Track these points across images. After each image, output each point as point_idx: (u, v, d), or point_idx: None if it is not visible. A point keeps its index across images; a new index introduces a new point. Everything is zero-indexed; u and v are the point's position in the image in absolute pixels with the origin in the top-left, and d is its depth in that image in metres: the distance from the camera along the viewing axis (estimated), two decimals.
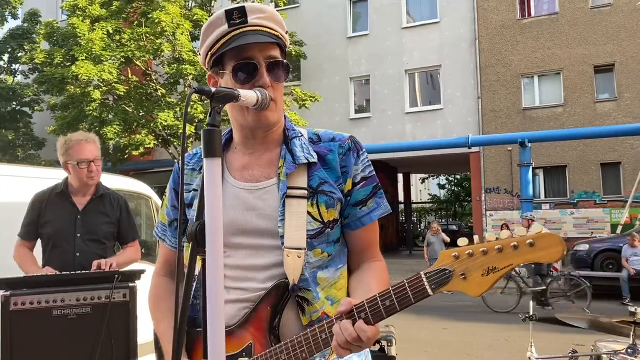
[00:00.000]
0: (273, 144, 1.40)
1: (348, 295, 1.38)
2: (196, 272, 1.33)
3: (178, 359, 1.08)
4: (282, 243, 1.30)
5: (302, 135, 1.41)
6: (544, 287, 10.29)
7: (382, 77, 20.14)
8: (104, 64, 15.91)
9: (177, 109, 16.68)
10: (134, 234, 3.17)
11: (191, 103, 16.40)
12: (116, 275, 2.58)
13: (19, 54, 22.44)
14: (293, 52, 18.85)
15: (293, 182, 1.33)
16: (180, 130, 16.40)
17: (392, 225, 25.47)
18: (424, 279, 1.12)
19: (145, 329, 2.80)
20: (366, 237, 1.42)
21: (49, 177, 3.41)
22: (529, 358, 2.68)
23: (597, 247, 12.56)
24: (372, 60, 20.33)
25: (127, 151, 17.14)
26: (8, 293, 2.42)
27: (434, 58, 19.51)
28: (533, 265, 10.69)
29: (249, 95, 1.16)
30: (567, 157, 17.62)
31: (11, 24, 25.25)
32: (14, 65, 23.49)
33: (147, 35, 16.50)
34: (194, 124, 16.76)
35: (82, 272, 2.72)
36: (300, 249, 1.30)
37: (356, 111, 20.79)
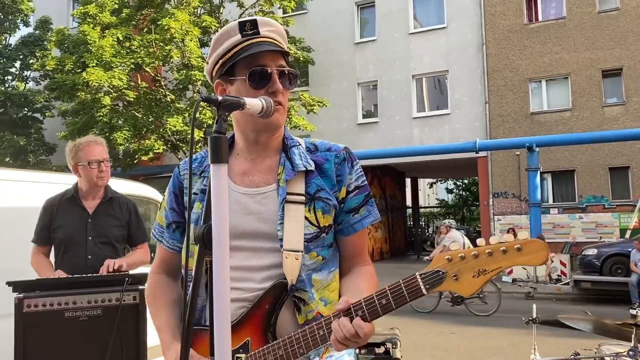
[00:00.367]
0: (273, 152, 1.47)
1: (340, 297, 1.43)
2: (194, 271, 1.40)
3: (186, 356, 1.13)
4: (282, 246, 1.37)
5: (300, 144, 1.49)
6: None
7: (389, 82, 20.19)
8: (114, 71, 16.10)
9: (186, 114, 16.81)
10: (144, 236, 3.23)
11: (200, 109, 16.52)
12: (127, 279, 2.64)
13: (31, 61, 22.71)
14: (301, 58, 18.96)
15: (292, 189, 1.41)
16: (190, 136, 16.51)
17: (400, 229, 25.45)
18: (419, 280, 1.19)
19: (155, 332, 2.86)
20: (357, 243, 1.50)
21: (60, 183, 3.48)
22: None
23: (605, 252, 12.52)
24: (379, 65, 20.39)
25: (136, 156, 17.30)
26: (22, 295, 2.49)
27: (441, 63, 19.54)
28: None
29: (254, 103, 1.21)
30: (575, 162, 17.55)
31: (23, 31, 25.57)
32: (25, 72, 23.78)
33: (157, 42, 16.68)
34: (203, 129, 16.89)
35: (94, 275, 2.79)
36: (298, 251, 1.38)
37: (364, 116, 20.84)
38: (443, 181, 37.92)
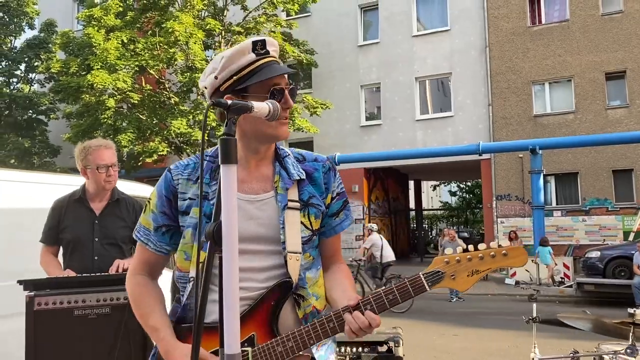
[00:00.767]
0: (267, 161, 1.58)
1: (326, 291, 1.61)
2: (192, 275, 1.50)
3: (196, 355, 1.18)
4: (284, 248, 1.50)
5: (289, 154, 1.60)
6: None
7: (392, 84, 20.24)
8: (119, 73, 16.20)
9: (190, 117, 16.90)
10: None
11: (204, 111, 16.55)
12: None
13: (36, 64, 22.85)
14: (304, 61, 19.03)
15: (289, 196, 1.54)
16: (194, 138, 16.61)
17: (403, 232, 25.47)
18: (423, 278, 1.42)
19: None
20: (336, 243, 1.68)
21: (68, 184, 3.54)
22: (533, 359, 2.76)
23: (608, 254, 12.51)
24: (382, 68, 20.45)
25: (140, 158, 17.39)
26: (32, 294, 2.55)
27: (444, 66, 19.58)
28: (370, 271, 12.03)
29: (261, 106, 1.27)
30: (578, 164, 17.55)
31: (28, 34, 25.71)
32: (30, 74, 23.92)
33: (161, 44, 16.77)
34: (207, 130, 16.96)
35: (102, 274, 2.85)
36: (298, 253, 1.52)
37: (367, 118, 20.89)
38: (446, 184, 37.92)
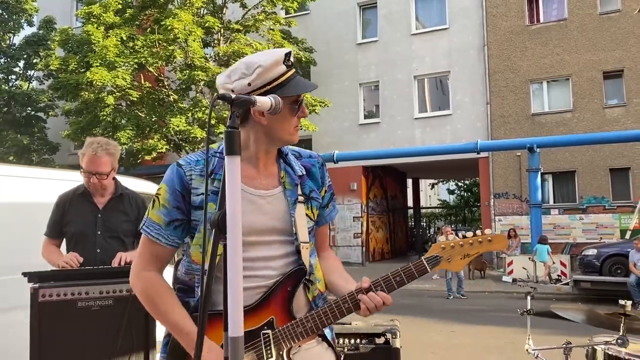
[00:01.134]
0: (272, 159, 1.69)
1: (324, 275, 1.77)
2: (206, 267, 1.49)
3: (201, 340, 1.23)
4: (297, 239, 1.64)
5: (288, 152, 1.72)
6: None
7: (391, 83, 20.28)
8: (118, 71, 16.21)
9: (189, 114, 16.92)
10: None
11: (203, 109, 16.63)
12: None
13: (35, 61, 22.85)
14: (303, 59, 19.06)
15: (297, 191, 1.69)
16: (192, 135, 16.63)
17: (401, 230, 25.54)
18: (425, 262, 1.62)
19: (162, 328, 2.97)
20: (325, 232, 1.86)
21: (70, 180, 3.58)
22: (527, 350, 2.83)
23: (605, 252, 12.59)
24: (381, 66, 20.48)
25: (139, 156, 17.42)
26: (37, 285, 2.61)
27: (443, 64, 19.63)
28: None
29: (264, 101, 1.32)
30: (576, 163, 17.62)
31: (27, 31, 25.68)
32: (29, 71, 23.91)
33: (160, 42, 16.79)
34: (205, 129, 16.98)
35: (105, 267, 2.90)
36: (307, 242, 1.67)
37: (365, 117, 20.94)
38: (444, 182, 37.97)
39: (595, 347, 2.42)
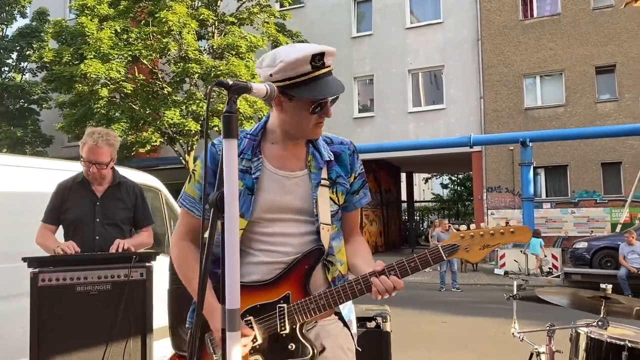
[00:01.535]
0: (301, 143, 1.78)
1: (347, 259, 1.82)
2: None
3: (201, 307, 1.31)
4: (317, 220, 1.71)
5: (319, 137, 1.77)
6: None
7: (385, 77, 20.34)
8: (112, 63, 16.17)
9: (183, 107, 16.91)
10: (149, 219, 3.41)
11: (197, 101, 16.64)
12: (134, 256, 2.82)
13: (28, 53, 22.71)
14: None
15: (321, 174, 1.75)
16: (187, 128, 16.62)
17: (394, 224, 25.68)
18: (440, 249, 1.63)
19: (160, 315, 3.04)
20: (355, 217, 1.90)
21: (69, 170, 3.64)
22: (513, 334, 2.92)
23: (595, 245, 12.76)
24: (376, 60, 20.53)
25: (133, 148, 17.39)
26: (37, 270, 2.67)
27: (437, 58, 19.70)
28: None
29: (260, 88, 1.39)
30: (568, 157, 17.78)
31: (20, 22, 25.50)
32: (22, 63, 23.78)
33: (154, 34, 16.75)
34: (200, 121, 16.99)
35: (103, 253, 2.97)
36: (328, 224, 1.73)
37: (360, 110, 21.00)
38: (438, 176, 38.15)
39: (579, 330, 2.50)
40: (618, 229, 14.87)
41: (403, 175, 27.54)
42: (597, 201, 17.40)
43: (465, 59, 19.21)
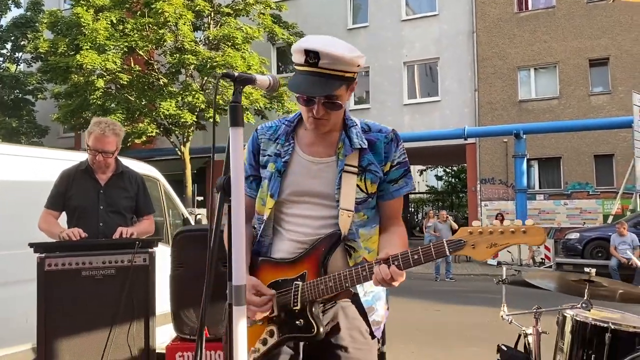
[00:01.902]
0: (335, 130, 1.83)
1: (378, 247, 1.85)
2: (265, 217, 1.81)
3: (210, 281, 1.40)
4: (338, 205, 1.76)
5: (356, 124, 1.85)
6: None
7: (381, 69, 20.38)
8: (108, 54, 16.14)
9: (179, 98, 16.91)
10: (150, 208, 3.50)
11: (193, 93, 16.66)
12: (137, 242, 2.92)
13: (22, 43, 22.60)
14: (293, 44, 19.02)
15: (348, 161, 1.79)
16: (183, 120, 16.64)
17: None
18: (445, 244, 1.59)
19: (163, 302, 3.14)
20: (394, 206, 1.89)
21: (73, 160, 3.71)
22: (502, 316, 3.05)
23: (587, 236, 12.92)
24: (371, 52, 20.52)
25: (129, 139, 17.39)
26: (43, 255, 2.76)
27: (432, 50, 19.76)
28: None
29: (263, 79, 1.49)
30: (561, 149, 17.92)
31: (14, 12, 25.36)
32: (17, 53, 23.67)
33: (150, 25, 16.71)
34: (195, 113, 17.02)
35: (108, 239, 3.06)
36: (350, 210, 1.76)
37: (356, 102, 21.05)
38: (433, 168, 38.29)
39: (565, 314, 2.62)
40: (610, 221, 15.04)
41: None
42: (590, 193, 17.57)
43: (460, 52, 19.28)
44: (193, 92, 16.59)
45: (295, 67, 1.69)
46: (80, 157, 3.68)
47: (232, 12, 17.92)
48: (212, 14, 18.01)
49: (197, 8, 17.04)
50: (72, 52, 16.75)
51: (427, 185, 40.97)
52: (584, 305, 2.49)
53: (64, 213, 3.32)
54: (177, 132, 17.86)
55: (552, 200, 18.01)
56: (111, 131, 3.23)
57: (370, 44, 20.54)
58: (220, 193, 1.39)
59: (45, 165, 3.81)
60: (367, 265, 1.66)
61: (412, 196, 31.93)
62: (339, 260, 1.77)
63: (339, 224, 1.75)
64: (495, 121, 18.29)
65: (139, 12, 17.49)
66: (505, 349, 2.97)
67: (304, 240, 1.78)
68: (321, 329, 1.71)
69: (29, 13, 22.85)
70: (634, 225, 12.25)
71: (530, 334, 2.88)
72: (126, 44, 16.52)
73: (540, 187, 18.54)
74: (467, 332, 7.07)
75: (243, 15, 18.18)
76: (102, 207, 3.23)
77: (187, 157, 18.14)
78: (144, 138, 17.20)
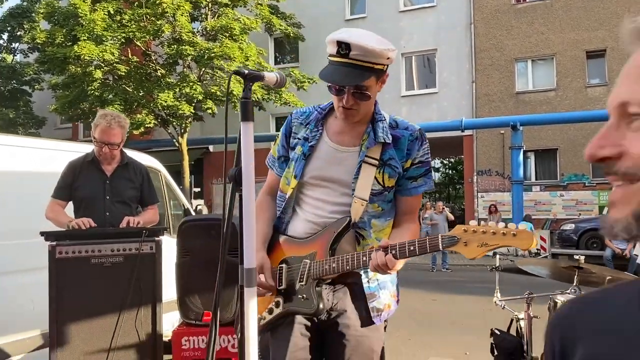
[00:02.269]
0: (364, 121, 1.93)
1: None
2: (288, 194, 1.94)
3: (225, 249, 1.49)
4: (353, 193, 1.87)
5: (384, 119, 1.93)
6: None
7: None
8: (106, 45, 16.13)
9: (177, 89, 16.93)
10: (154, 198, 3.60)
11: (190, 84, 16.67)
12: (144, 231, 3.02)
13: (19, 33, 22.52)
14: (291, 34, 19.08)
15: (370, 153, 1.89)
16: (180, 111, 16.67)
17: None
18: (439, 240, 1.66)
19: (170, 289, 3.24)
20: (409, 203, 1.98)
21: (80, 151, 3.80)
22: (495, 302, 3.17)
23: (582, 227, 13.08)
24: None
25: (127, 130, 17.40)
26: (54, 243, 2.86)
27: (430, 42, 19.78)
28: None
29: (271, 76, 1.58)
30: (558, 141, 18.03)
31: (11, 2, 25.22)
32: (13, 44, 23.58)
33: (148, 16, 16.70)
34: (193, 104, 17.04)
35: (115, 228, 3.16)
36: (364, 200, 1.86)
37: None
38: (430, 160, 38.36)
39: (556, 299, 2.74)
40: (605, 212, 15.17)
41: None
42: (586, 184, 17.70)
43: (458, 43, 19.32)
44: (190, 84, 16.61)
45: (328, 57, 1.80)
46: (85, 149, 3.77)
47: (229, 2, 17.89)
48: (210, 4, 17.98)
49: None
50: (70, 43, 16.73)
51: None
52: (573, 291, 2.60)
53: (70, 203, 3.42)
54: (174, 123, 17.89)
55: (549, 192, 18.15)
56: (117, 124, 3.33)
57: None
58: (232, 183, 1.48)
59: (54, 156, 3.90)
60: (368, 252, 1.75)
61: None
62: (348, 245, 1.87)
63: (350, 211, 1.86)
64: (493, 113, 18.37)
65: (137, 2, 17.45)
66: (498, 333, 3.09)
67: (317, 222, 1.90)
68: (321, 305, 1.82)
69: (25, 3, 22.75)
70: None
71: (522, 318, 3.01)
72: (124, 34, 16.52)
73: (536, 179, 18.67)
74: (463, 321, 7.20)
75: (241, 6, 18.16)
76: (108, 197, 3.33)
77: (185, 148, 18.19)
78: (142, 129, 17.23)
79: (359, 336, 1.87)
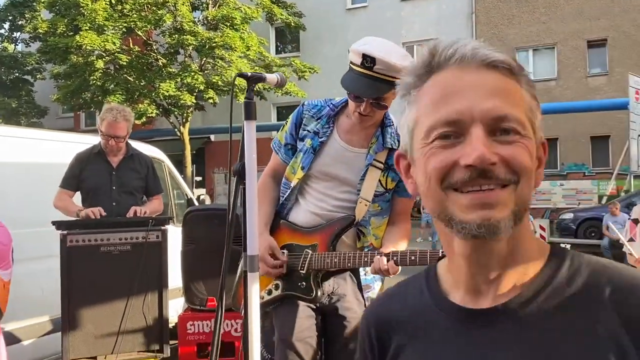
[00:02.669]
0: (374, 125, 2.02)
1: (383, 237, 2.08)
2: (293, 184, 2.03)
3: (230, 238, 1.61)
4: (358, 193, 1.98)
5: (393, 124, 2.03)
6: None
7: None
8: (107, 34, 16.16)
9: (178, 79, 16.96)
10: (159, 188, 3.73)
11: (192, 74, 16.70)
12: (151, 220, 3.14)
13: (20, 23, 22.53)
14: (292, 24, 19.07)
15: (377, 157, 2.00)
16: (182, 101, 16.72)
17: None
18: (441, 254, 1.69)
19: (175, 277, 3.37)
20: (405, 204, 2.10)
21: (87, 143, 3.92)
22: None
23: (581, 216, 13.15)
24: (371, 32, 20.28)
25: None
26: (66, 232, 2.99)
27: (431, 31, 19.73)
28: None
29: (272, 77, 1.70)
30: (558, 130, 18.05)
31: None
32: (15, 33, 23.59)
33: (149, 5, 16.70)
34: (194, 94, 17.09)
35: (123, 217, 3.29)
36: (367, 200, 1.99)
37: None
38: None
39: None
40: (604, 201, 15.28)
41: None
42: (586, 174, 17.78)
43: (459, 32, 19.27)
44: (192, 73, 16.64)
45: (351, 65, 1.90)
46: (93, 140, 3.88)
47: None
48: None
49: None
50: (71, 33, 16.75)
51: None
52: None
53: (77, 193, 3.54)
54: (176, 112, 17.94)
55: (549, 181, 18.19)
56: (122, 117, 3.44)
57: (369, 24, 20.49)
58: (236, 177, 1.60)
59: (63, 147, 4.01)
60: (370, 254, 1.89)
61: None
62: (348, 240, 2.01)
63: (355, 210, 1.97)
64: None
65: None
66: None
67: (320, 214, 2.01)
68: (319, 293, 1.97)
69: None
70: (626, 206, 12.46)
71: None
72: (125, 24, 16.52)
73: None
74: None
75: None
76: (114, 188, 3.45)
77: (187, 138, 18.27)
78: (143, 119, 17.28)
79: (358, 318, 1.98)
